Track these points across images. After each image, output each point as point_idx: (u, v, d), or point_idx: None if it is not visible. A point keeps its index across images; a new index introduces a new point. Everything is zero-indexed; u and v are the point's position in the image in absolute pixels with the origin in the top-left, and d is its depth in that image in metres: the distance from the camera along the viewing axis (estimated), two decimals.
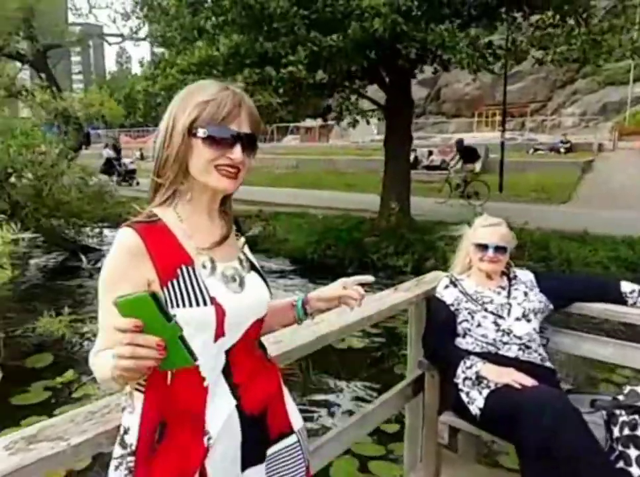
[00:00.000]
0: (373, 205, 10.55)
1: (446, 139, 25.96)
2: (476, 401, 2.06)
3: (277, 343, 1.77)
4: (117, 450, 1.14)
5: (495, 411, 2.00)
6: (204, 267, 1.13)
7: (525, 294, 2.29)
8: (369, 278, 1.37)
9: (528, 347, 2.17)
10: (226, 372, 1.16)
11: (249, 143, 1.13)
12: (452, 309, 2.30)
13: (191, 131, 1.10)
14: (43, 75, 10.58)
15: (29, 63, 11.70)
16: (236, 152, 1.10)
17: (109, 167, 18.96)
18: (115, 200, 14.66)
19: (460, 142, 13.99)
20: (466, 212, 9.25)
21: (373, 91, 10.74)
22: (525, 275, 2.39)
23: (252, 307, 1.20)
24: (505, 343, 2.17)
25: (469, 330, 2.24)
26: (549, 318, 2.41)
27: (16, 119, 7.44)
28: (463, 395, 2.12)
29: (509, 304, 2.25)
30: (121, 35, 13.14)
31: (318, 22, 6.26)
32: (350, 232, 9.55)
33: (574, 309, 2.37)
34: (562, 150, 21.53)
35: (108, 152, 19.53)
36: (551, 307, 2.32)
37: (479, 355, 2.16)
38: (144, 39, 9.99)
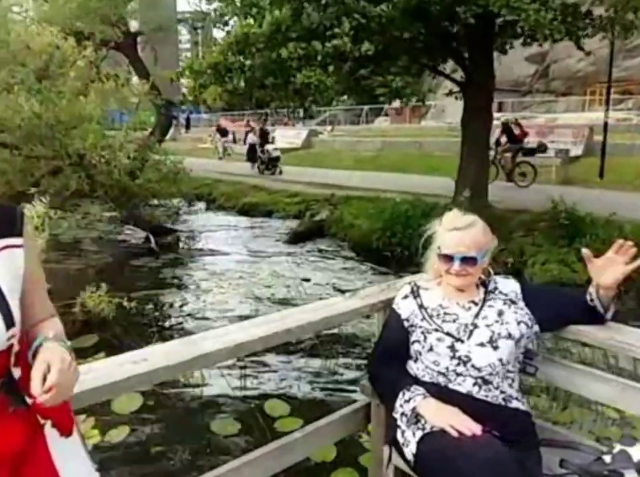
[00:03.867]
0: (451, 190, 9.84)
1: (551, 119, 23.89)
2: (410, 444, 1.66)
3: (141, 362, 1.50)
4: None
5: (427, 459, 1.59)
6: None
7: (500, 313, 1.81)
8: None
9: (487, 382, 1.70)
10: None
11: None
12: (407, 324, 1.89)
13: None
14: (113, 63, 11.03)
15: (117, 49, 12.19)
16: None
17: (253, 154, 17.82)
18: (201, 181, 15.08)
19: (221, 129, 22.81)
20: (546, 199, 8.29)
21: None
22: (508, 286, 1.90)
23: None
24: (458, 374, 1.73)
25: (420, 353, 1.82)
26: (538, 343, 1.92)
27: (88, 106, 7.67)
28: (399, 434, 1.72)
29: (474, 324, 1.79)
30: (204, 19, 13.34)
31: None
32: (418, 219, 8.94)
33: (569, 334, 1.86)
34: None
35: (252, 138, 18.19)
36: (536, 328, 1.83)
37: (426, 386, 1.75)
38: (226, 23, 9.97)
